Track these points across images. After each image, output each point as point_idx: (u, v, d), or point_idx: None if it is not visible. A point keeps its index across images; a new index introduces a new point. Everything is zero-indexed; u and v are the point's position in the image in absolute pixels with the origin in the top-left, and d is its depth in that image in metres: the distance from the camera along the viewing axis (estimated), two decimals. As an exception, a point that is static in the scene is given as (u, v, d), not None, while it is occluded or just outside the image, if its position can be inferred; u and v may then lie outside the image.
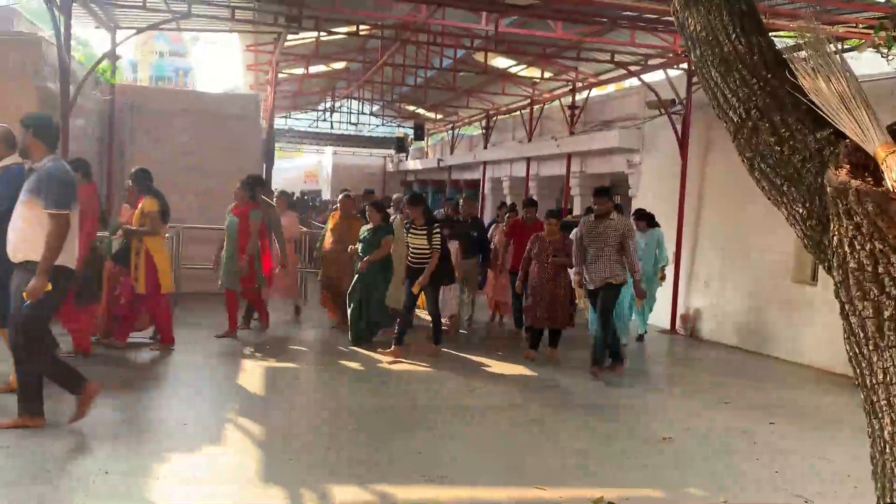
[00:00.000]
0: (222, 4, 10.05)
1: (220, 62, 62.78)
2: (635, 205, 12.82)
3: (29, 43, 9.00)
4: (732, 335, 10.15)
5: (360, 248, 8.56)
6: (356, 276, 8.54)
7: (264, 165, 14.24)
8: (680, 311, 11.04)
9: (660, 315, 11.36)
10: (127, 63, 38.52)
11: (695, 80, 10.58)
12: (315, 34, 12.93)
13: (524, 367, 7.83)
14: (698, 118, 10.86)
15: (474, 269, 9.79)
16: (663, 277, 9.81)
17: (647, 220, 9.78)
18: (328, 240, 9.37)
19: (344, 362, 7.74)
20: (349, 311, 8.56)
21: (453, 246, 9.21)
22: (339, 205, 9.64)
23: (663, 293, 11.16)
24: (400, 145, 26.43)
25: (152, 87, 27.95)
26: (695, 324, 10.84)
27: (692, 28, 2.51)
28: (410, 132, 24.97)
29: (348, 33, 12.17)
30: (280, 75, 16.44)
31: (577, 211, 14.92)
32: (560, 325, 8.29)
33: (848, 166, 2.05)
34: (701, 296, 10.86)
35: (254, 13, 10.76)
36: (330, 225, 9.57)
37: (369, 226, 8.65)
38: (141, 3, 9.45)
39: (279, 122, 24.23)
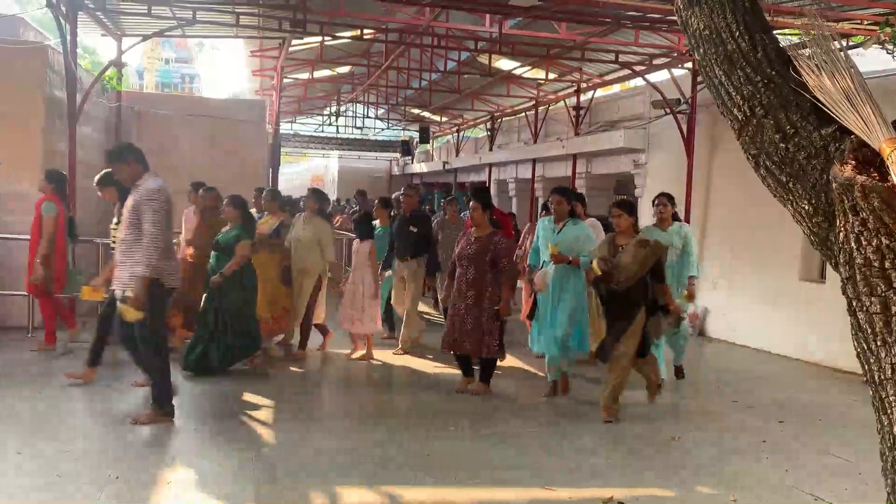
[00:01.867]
0: (227, 11, 10.10)
1: (225, 68, 63.03)
2: (642, 205, 12.82)
3: (36, 51, 9.06)
4: (740, 334, 10.12)
5: (212, 257, 7.04)
6: (207, 291, 6.97)
7: (270, 170, 14.29)
8: (687, 310, 11.01)
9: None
10: (133, 70, 38.72)
11: (699, 79, 10.57)
12: (319, 39, 12.97)
13: (531, 366, 7.82)
14: (703, 117, 10.86)
15: (417, 272, 8.47)
16: (691, 296, 7.33)
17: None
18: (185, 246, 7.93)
19: (351, 364, 7.75)
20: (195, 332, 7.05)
21: (364, 246, 7.87)
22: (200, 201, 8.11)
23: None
24: (405, 148, 26.45)
25: (158, 93, 28.07)
26: (703, 323, 10.82)
27: (695, 27, 2.51)
28: (416, 135, 24.99)
29: (353, 37, 12.20)
30: (285, 80, 16.52)
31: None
32: (486, 352, 6.46)
33: (853, 162, 2.05)
34: (709, 294, 10.83)
35: (259, 19, 10.80)
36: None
37: (227, 228, 7.12)
38: (146, 11, 9.50)
39: (285, 127, 24.30)
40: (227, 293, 6.87)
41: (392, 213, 9.13)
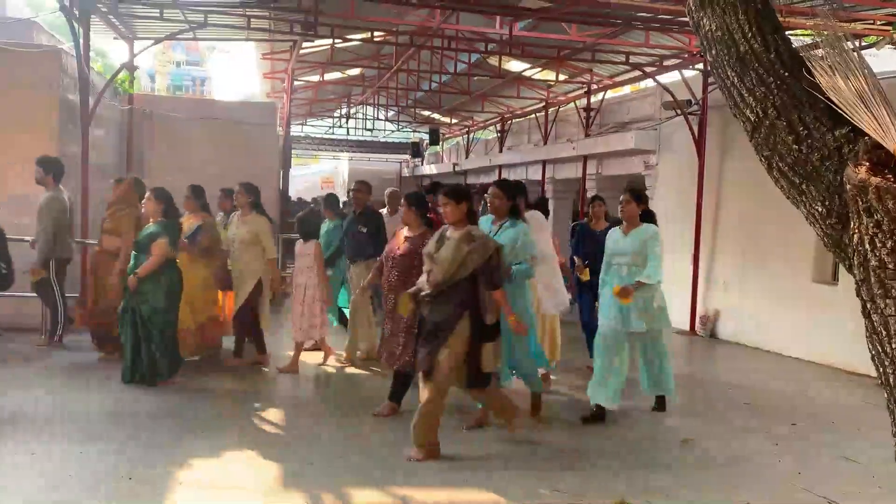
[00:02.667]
0: (238, 14, 10.14)
1: (236, 71, 63.30)
2: (652, 206, 12.78)
3: (49, 55, 9.13)
4: (753, 336, 10.07)
5: (132, 256, 6.51)
6: (125, 294, 6.47)
7: (281, 172, 14.33)
8: (699, 312, 10.98)
9: (679, 316, 11.30)
10: (145, 73, 38.94)
11: (711, 80, 10.53)
12: (330, 41, 13.00)
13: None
14: (715, 118, 10.81)
15: (364, 275, 7.01)
16: (624, 294, 5.87)
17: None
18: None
19: (361, 366, 7.75)
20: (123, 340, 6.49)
21: (308, 248, 7.31)
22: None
23: (681, 293, 11.09)
24: (415, 150, 26.49)
25: (170, 96, 28.21)
26: (714, 324, 10.77)
27: (707, 28, 2.50)
28: (426, 137, 25.01)
29: (363, 40, 12.24)
30: (296, 83, 16.57)
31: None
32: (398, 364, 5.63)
33: (867, 163, 2.04)
34: (720, 296, 10.79)
35: (269, 22, 10.85)
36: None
37: (150, 225, 6.59)
38: (158, 14, 9.56)
39: (295, 130, 24.35)
40: (146, 297, 6.29)
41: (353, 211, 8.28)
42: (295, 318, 7.29)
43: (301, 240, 7.44)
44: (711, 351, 10.00)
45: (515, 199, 5.80)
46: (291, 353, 7.39)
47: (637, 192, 6.16)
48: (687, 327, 11.02)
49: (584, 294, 7.68)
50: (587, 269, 7.25)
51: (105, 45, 23.98)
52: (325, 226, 8.43)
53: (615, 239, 6.11)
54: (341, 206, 10.88)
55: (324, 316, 7.43)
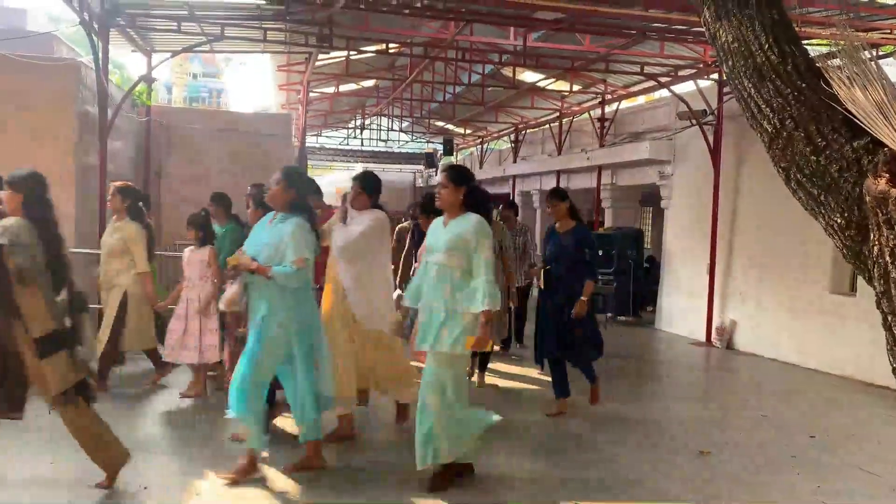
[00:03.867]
0: (255, 26, 10.23)
1: (252, 83, 63.78)
2: (668, 217, 12.74)
3: (68, 68, 9.24)
4: (770, 347, 9.99)
5: None
6: None
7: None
8: (715, 323, 10.90)
9: (695, 326, 11.23)
10: (162, 85, 39.31)
11: (726, 89, 10.50)
12: (345, 53, 13.08)
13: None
14: (730, 128, 10.77)
15: None
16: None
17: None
18: None
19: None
20: None
21: (203, 254, 6.51)
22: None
23: (697, 303, 11.04)
24: (429, 161, 26.55)
25: (186, 107, 28.46)
26: (731, 336, 10.70)
27: (724, 40, 2.51)
28: (440, 147, 25.08)
29: (378, 52, 12.29)
30: (311, 94, 16.67)
31: (608, 224, 14.87)
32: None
33: (887, 175, 2.02)
34: (737, 307, 10.72)
35: (285, 34, 10.93)
36: None
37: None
38: (176, 27, 9.66)
39: (311, 141, 24.51)
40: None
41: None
42: (172, 338, 6.36)
43: (193, 247, 6.46)
44: (728, 362, 9.92)
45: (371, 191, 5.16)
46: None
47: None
48: (703, 338, 10.95)
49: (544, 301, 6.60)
50: (540, 271, 6.56)
51: (123, 58, 24.29)
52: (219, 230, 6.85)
53: (432, 230, 4.73)
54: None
55: (212, 335, 6.40)
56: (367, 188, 5.23)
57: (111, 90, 9.69)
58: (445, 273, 4.40)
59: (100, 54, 8.98)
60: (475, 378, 7.40)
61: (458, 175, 4.59)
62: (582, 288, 6.12)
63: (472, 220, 4.44)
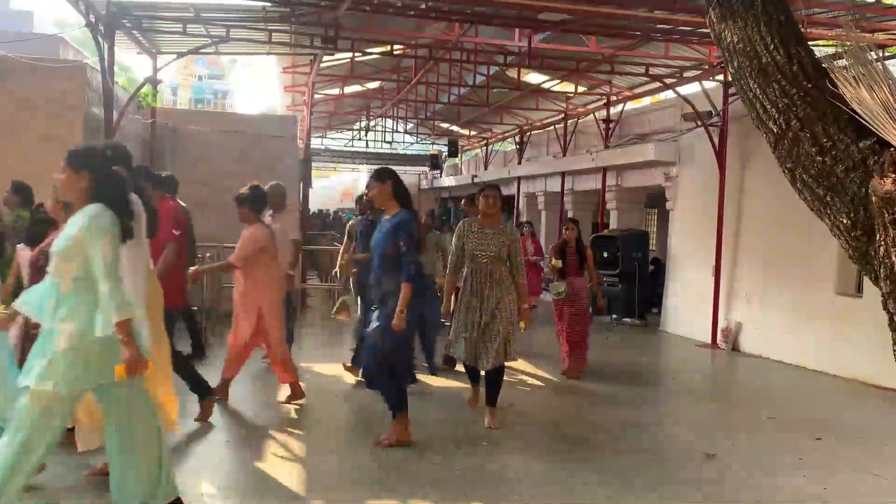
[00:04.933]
0: (260, 28, 10.26)
1: (257, 84, 63.89)
2: (673, 219, 12.72)
3: (75, 70, 9.29)
4: (775, 349, 9.95)
5: None
6: None
7: (301, 184, 14.42)
8: (720, 324, 10.87)
9: (701, 328, 11.20)
10: (168, 87, 39.40)
11: (731, 90, 10.48)
12: (350, 55, 13.10)
13: (557, 392, 7.76)
14: (735, 129, 10.74)
15: None
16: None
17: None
18: None
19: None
20: None
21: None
22: None
23: (703, 305, 11.01)
24: (434, 162, 26.57)
25: (192, 109, 28.54)
26: (736, 337, 10.67)
27: (729, 40, 2.50)
28: (444, 149, 25.10)
29: (382, 53, 12.33)
30: (316, 96, 16.68)
31: (613, 226, 14.85)
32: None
33: (894, 175, 2.02)
34: (742, 309, 10.69)
35: (291, 36, 10.96)
36: None
37: None
38: (181, 29, 9.70)
39: (315, 142, 24.53)
40: None
41: None
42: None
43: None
44: (733, 364, 9.90)
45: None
46: None
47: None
48: (709, 340, 10.92)
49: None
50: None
51: (129, 60, 24.37)
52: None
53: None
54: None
55: None
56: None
57: (117, 92, 9.73)
58: None
59: (105, 56, 9.02)
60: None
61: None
62: (396, 288, 5.00)
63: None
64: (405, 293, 4.92)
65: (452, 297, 6.29)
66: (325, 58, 13.23)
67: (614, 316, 12.87)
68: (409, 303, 4.94)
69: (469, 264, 5.93)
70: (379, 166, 5.70)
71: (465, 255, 5.94)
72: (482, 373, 6.16)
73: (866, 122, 2.14)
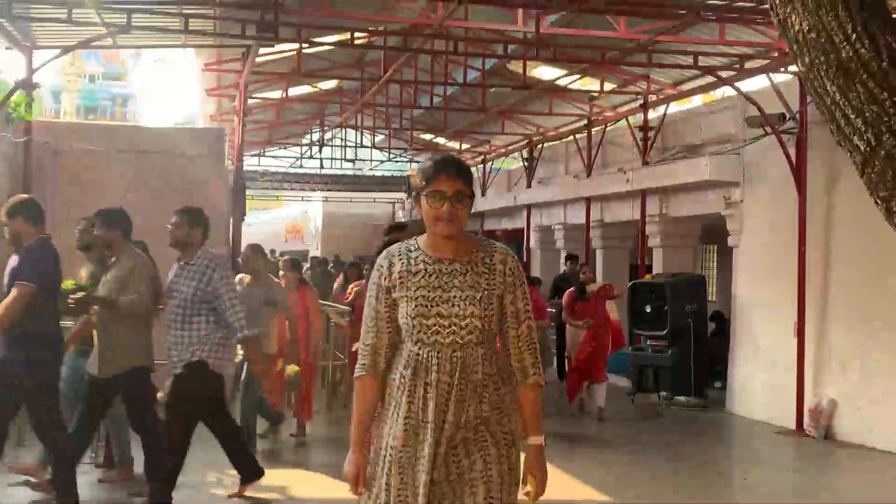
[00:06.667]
0: (172, 12, 10.32)
1: (170, 87, 64.25)
2: (738, 258, 12.76)
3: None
4: (884, 436, 9.92)
5: None
6: None
7: (231, 220, 14.42)
8: (808, 404, 10.84)
9: (781, 410, 11.16)
10: (48, 91, 39.57)
11: (810, 86, 10.60)
12: (296, 46, 13.22)
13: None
14: (818, 137, 10.76)
15: None
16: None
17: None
18: None
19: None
20: None
21: None
22: None
23: (783, 376, 10.97)
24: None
25: (81, 121, 28.66)
26: (830, 421, 10.63)
27: (797, 28, 2.53)
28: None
29: (339, 43, 12.43)
30: (251, 101, 16.79)
31: (657, 268, 14.88)
32: None
33: None
34: (837, 381, 10.67)
35: (214, 22, 11.03)
36: None
37: None
38: (66, 16, 9.74)
39: (250, 163, 24.61)
40: None
41: None
42: None
43: None
44: (828, 458, 9.86)
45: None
46: None
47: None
48: (793, 424, 10.85)
49: None
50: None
51: (-6, 57, 24.47)
52: None
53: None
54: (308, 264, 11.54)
55: None
56: None
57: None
58: None
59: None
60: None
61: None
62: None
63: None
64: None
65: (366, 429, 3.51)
66: (262, 50, 13.33)
67: (664, 394, 12.80)
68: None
69: (408, 351, 3.43)
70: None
71: (401, 328, 3.46)
72: None
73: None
